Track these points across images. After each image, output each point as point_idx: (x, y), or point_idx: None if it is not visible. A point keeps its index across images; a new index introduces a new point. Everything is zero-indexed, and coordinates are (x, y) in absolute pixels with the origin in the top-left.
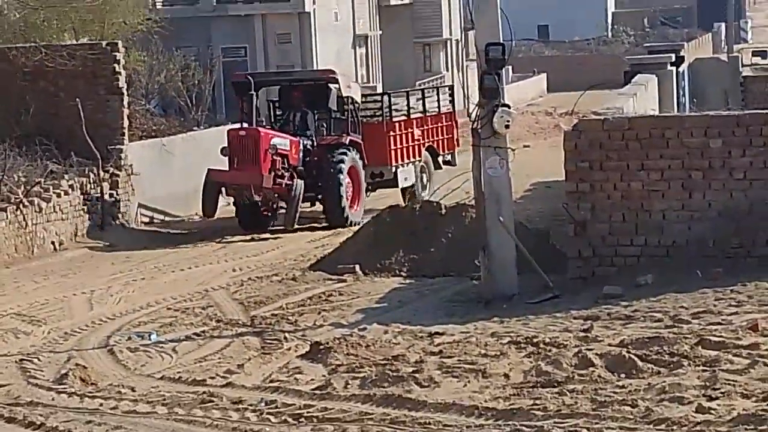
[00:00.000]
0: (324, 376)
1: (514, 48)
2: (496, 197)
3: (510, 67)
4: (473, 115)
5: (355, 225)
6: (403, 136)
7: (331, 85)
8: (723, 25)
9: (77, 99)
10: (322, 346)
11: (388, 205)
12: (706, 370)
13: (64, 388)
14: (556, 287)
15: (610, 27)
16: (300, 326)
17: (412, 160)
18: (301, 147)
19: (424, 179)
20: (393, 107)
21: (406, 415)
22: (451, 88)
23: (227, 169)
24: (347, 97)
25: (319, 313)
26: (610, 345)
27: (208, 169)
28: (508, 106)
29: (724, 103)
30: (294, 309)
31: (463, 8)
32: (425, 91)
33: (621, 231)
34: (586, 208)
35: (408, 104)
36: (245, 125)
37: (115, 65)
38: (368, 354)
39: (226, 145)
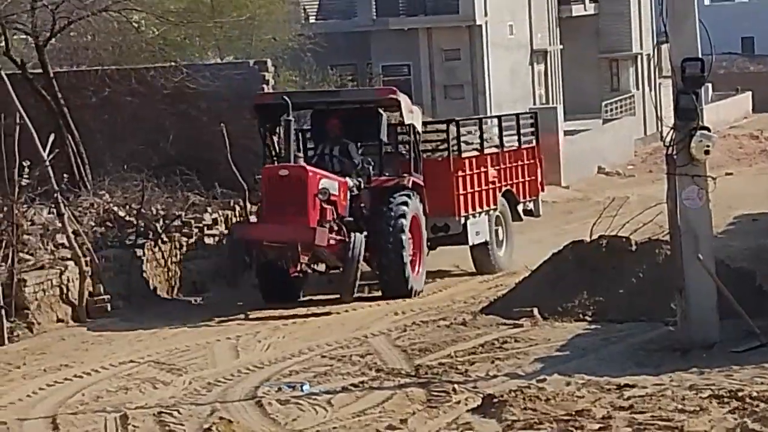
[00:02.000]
0: None
1: (714, 63)
2: (694, 232)
3: (710, 85)
4: (668, 140)
5: (417, 295)
6: (475, 177)
7: (382, 111)
8: None
9: (222, 124)
10: (495, 400)
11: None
12: None
13: None
14: (764, 334)
15: None
16: (471, 377)
17: (485, 208)
18: (349, 191)
19: (500, 234)
20: (462, 139)
21: None
22: (535, 116)
23: (260, 221)
24: (409, 125)
25: (492, 362)
26: None
27: (234, 225)
28: (708, 129)
29: None
30: (463, 357)
31: (656, 19)
32: (502, 119)
33: None
34: None
35: (481, 136)
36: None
37: (264, 86)
38: (548, 409)
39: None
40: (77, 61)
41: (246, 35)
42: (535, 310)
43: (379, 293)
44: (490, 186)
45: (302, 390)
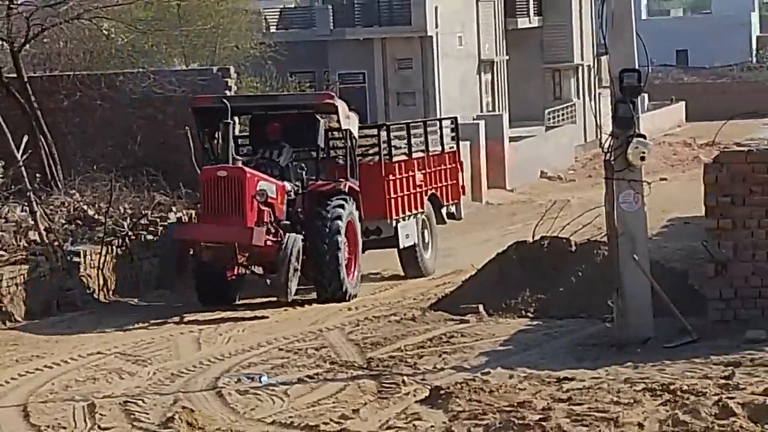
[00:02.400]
0: (444, 423)
1: (650, 74)
2: (630, 234)
3: (646, 95)
4: (606, 146)
5: (351, 298)
6: (404, 180)
7: (318, 117)
8: None
9: (186, 127)
10: (442, 391)
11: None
12: None
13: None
14: (695, 331)
15: (755, 52)
16: (419, 369)
17: (414, 212)
18: (286, 195)
19: (426, 237)
20: (393, 144)
21: None
22: (455, 121)
23: (198, 222)
24: (345, 130)
25: (440, 355)
26: (753, 393)
27: (170, 225)
28: (644, 137)
29: None
30: (413, 351)
31: (596, 32)
32: (426, 124)
33: (765, 271)
34: (727, 246)
35: (409, 140)
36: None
37: (227, 92)
38: (492, 400)
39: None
40: (50, 66)
41: (210, 43)
42: (481, 307)
43: (315, 295)
44: (418, 190)
45: (260, 381)
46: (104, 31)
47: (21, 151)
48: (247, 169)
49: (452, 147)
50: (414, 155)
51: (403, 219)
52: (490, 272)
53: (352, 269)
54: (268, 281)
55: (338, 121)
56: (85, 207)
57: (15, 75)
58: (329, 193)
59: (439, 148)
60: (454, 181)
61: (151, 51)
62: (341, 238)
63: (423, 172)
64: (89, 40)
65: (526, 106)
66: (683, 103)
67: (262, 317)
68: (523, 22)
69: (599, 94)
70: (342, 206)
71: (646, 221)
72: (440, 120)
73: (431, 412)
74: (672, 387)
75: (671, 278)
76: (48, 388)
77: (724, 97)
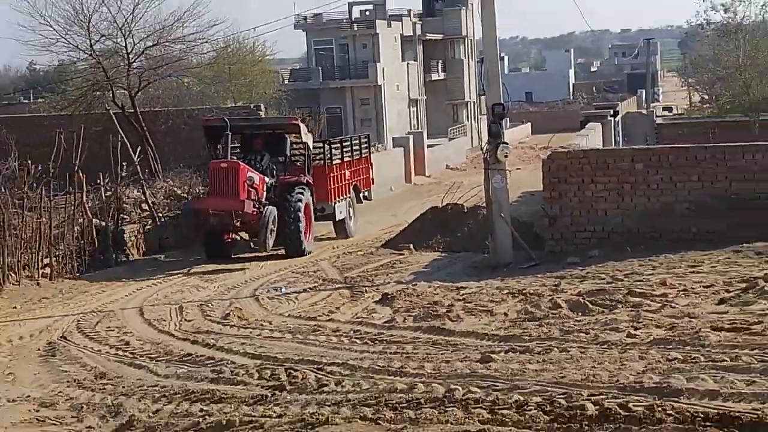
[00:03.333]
0: (390, 314)
1: (509, 106)
2: (498, 201)
3: (508, 119)
4: (485, 149)
5: (308, 254)
6: (339, 176)
7: (287, 135)
8: (643, 90)
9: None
10: (389, 295)
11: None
12: (633, 311)
13: (228, 322)
14: (538, 258)
15: (572, 92)
16: (375, 283)
17: (344, 197)
18: (266, 185)
19: (351, 213)
20: (333, 152)
21: (442, 339)
22: (368, 137)
23: (207, 197)
24: (304, 143)
25: (387, 274)
26: (571, 294)
27: (190, 199)
28: (507, 143)
29: (644, 141)
30: (372, 272)
31: (478, 81)
32: (352, 139)
33: (578, 223)
34: (556, 208)
35: (342, 150)
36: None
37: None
38: (418, 300)
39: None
40: (153, 105)
41: (248, 90)
42: (411, 246)
43: (284, 252)
44: (346, 182)
45: (281, 291)
46: (185, 84)
47: (136, 156)
48: (241, 162)
49: (365, 153)
50: (345, 159)
51: (338, 202)
52: (416, 225)
53: (308, 235)
54: (252, 244)
55: (300, 136)
56: (176, 189)
57: (132, 110)
58: (293, 185)
59: (359, 155)
60: (367, 176)
61: (213, 95)
62: (301, 215)
63: (349, 170)
64: (176, 89)
65: (437, 127)
66: (529, 123)
67: (277, 256)
68: (435, 76)
69: (480, 118)
70: (302, 194)
71: (508, 194)
72: (359, 136)
73: (382, 308)
74: (524, 291)
75: (523, 227)
76: (154, 297)
77: (553, 120)
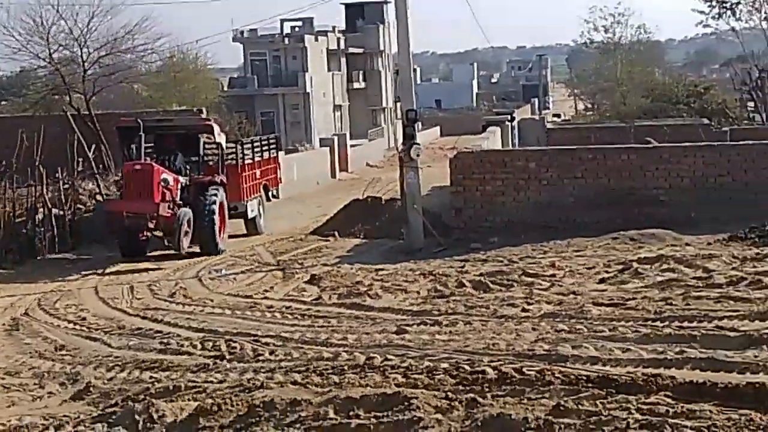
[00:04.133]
0: (318, 292)
1: (420, 112)
2: (412, 194)
3: (419, 123)
4: (400, 149)
5: (222, 252)
6: (250, 176)
7: (200, 135)
8: (536, 99)
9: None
10: (316, 276)
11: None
12: (526, 289)
13: (174, 300)
14: (445, 244)
15: (475, 101)
16: (305, 265)
17: (255, 195)
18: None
19: (261, 210)
20: (245, 153)
21: (363, 314)
22: (277, 138)
23: (121, 199)
24: (218, 143)
25: (315, 257)
26: (474, 275)
27: (105, 200)
28: (419, 144)
29: (536, 143)
30: (301, 256)
31: (394, 90)
32: (261, 140)
33: (480, 213)
34: (461, 200)
35: (253, 151)
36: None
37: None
38: (342, 280)
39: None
40: (106, 108)
41: (192, 95)
42: (336, 233)
43: (199, 251)
44: (257, 181)
45: (221, 273)
46: (135, 89)
47: (91, 153)
48: (154, 164)
49: (274, 154)
50: (255, 159)
51: (250, 200)
52: (340, 215)
53: (222, 234)
54: (166, 242)
55: (214, 136)
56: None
57: (87, 113)
58: (207, 184)
59: (268, 155)
60: (275, 175)
61: (160, 100)
62: (216, 216)
63: (260, 170)
64: (128, 94)
65: (359, 129)
66: (438, 127)
67: (193, 254)
68: (356, 85)
69: (396, 122)
70: (216, 193)
71: (420, 188)
72: (268, 137)
73: (311, 287)
74: (433, 272)
75: (433, 217)
76: (107, 279)
77: (459, 124)
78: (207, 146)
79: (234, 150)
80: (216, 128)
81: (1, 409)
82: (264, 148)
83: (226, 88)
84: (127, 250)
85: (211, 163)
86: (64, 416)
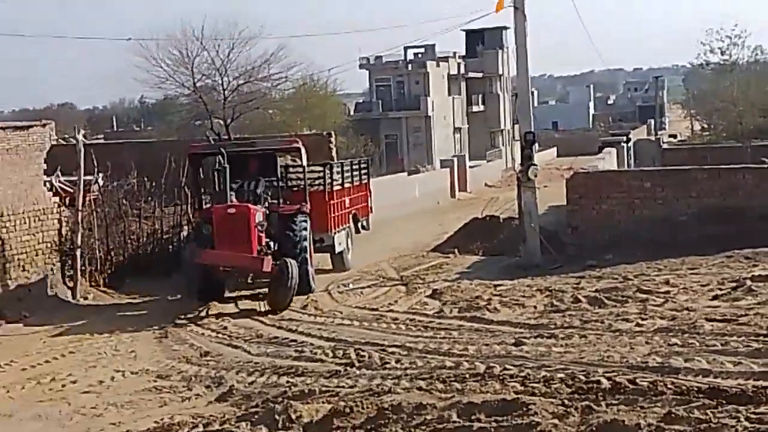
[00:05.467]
0: (439, 306)
1: (539, 134)
2: (529, 213)
3: (537, 144)
4: (518, 169)
5: (314, 292)
6: (339, 204)
7: (279, 156)
8: (652, 120)
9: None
10: (438, 291)
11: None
12: (640, 304)
13: (306, 311)
14: (561, 261)
15: (591, 122)
16: (426, 280)
17: (344, 226)
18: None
19: (348, 243)
20: (334, 178)
21: (483, 326)
22: (367, 162)
23: (213, 249)
24: (303, 166)
25: (437, 273)
26: (590, 291)
27: (195, 248)
28: (536, 165)
29: (652, 163)
30: (423, 271)
31: (512, 112)
32: (352, 163)
33: (595, 231)
34: (577, 218)
35: (342, 175)
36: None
37: (329, 143)
38: (462, 295)
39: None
40: (244, 132)
41: (321, 119)
42: (456, 250)
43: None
44: (346, 210)
45: (349, 287)
46: (269, 114)
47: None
48: (250, 206)
49: (365, 180)
50: (345, 186)
51: (338, 232)
52: (460, 232)
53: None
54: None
55: (301, 158)
56: None
57: (227, 137)
58: (294, 214)
59: (359, 181)
60: (365, 204)
61: (293, 124)
62: (308, 253)
63: (349, 197)
64: (262, 119)
65: (478, 150)
66: (555, 148)
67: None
68: (476, 108)
69: (513, 143)
70: (306, 227)
71: (537, 207)
72: (360, 161)
73: (432, 301)
74: (550, 288)
75: (549, 234)
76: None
77: (575, 145)
78: (292, 170)
79: (321, 174)
80: (302, 148)
81: (154, 408)
82: (355, 172)
83: (352, 113)
84: (208, 293)
85: (295, 188)
86: (211, 416)
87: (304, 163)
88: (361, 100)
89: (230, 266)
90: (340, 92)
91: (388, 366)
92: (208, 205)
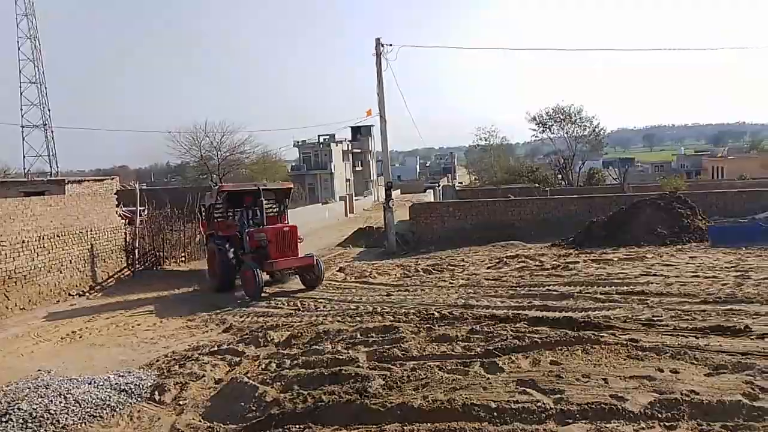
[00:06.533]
0: (344, 276)
1: (392, 182)
2: (389, 224)
3: (392, 187)
4: (383, 201)
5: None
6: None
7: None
8: (450, 174)
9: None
10: (342, 267)
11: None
12: (450, 272)
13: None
14: (407, 250)
15: (418, 175)
16: (335, 262)
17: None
18: None
19: None
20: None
21: (369, 286)
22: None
23: (273, 257)
24: (286, 200)
25: (341, 258)
26: (424, 266)
27: (262, 260)
28: (393, 199)
29: (451, 197)
30: (333, 257)
31: (377, 171)
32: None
33: (424, 234)
34: (415, 227)
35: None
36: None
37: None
38: (355, 269)
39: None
40: (230, 181)
41: (273, 175)
42: (350, 245)
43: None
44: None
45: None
46: (243, 172)
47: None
48: (294, 224)
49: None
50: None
51: None
52: (352, 236)
53: None
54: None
55: (289, 195)
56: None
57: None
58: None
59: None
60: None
61: (258, 178)
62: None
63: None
64: (241, 175)
65: (359, 191)
66: (399, 189)
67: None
68: (358, 168)
69: (379, 187)
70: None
71: (393, 221)
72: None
73: (340, 273)
74: (402, 264)
75: (400, 235)
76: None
77: (411, 188)
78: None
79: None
80: (292, 188)
81: (186, 338)
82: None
83: (289, 171)
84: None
85: (271, 214)
86: (220, 341)
87: (289, 197)
88: (294, 164)
89: (293, 267)
90: (284, 160)
91: (319, 309)
92: (252, 228)
